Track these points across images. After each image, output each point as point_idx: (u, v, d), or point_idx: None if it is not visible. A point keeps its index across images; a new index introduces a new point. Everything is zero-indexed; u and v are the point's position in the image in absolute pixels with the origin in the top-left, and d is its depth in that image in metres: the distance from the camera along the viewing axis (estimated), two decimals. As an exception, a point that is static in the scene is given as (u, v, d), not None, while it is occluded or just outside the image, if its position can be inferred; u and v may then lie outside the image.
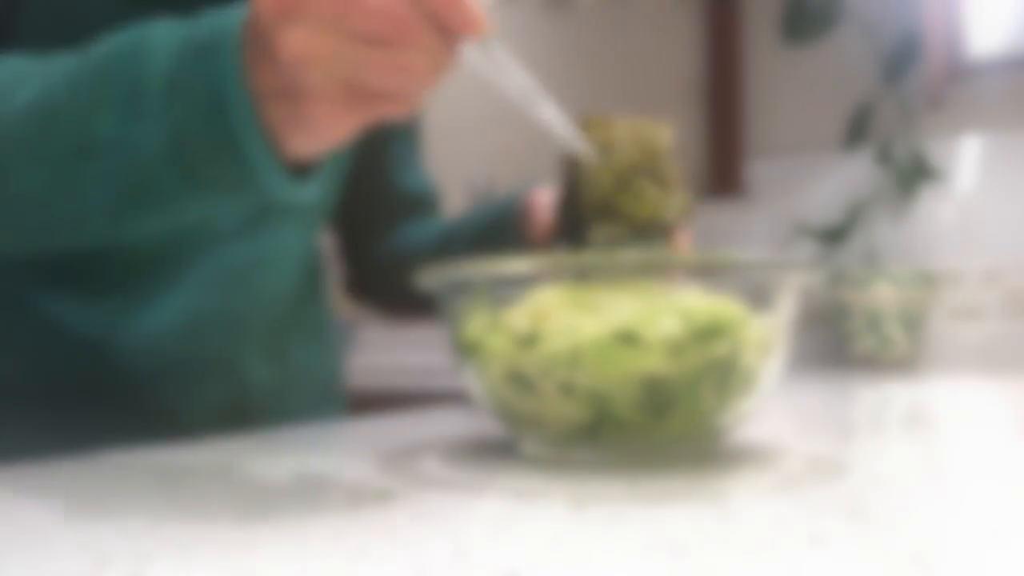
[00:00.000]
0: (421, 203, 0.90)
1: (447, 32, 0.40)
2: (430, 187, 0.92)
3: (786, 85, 1.71)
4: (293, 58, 0.38)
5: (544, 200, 0.73)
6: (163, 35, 0.44)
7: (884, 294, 1.46)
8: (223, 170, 0.43)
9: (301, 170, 0.45)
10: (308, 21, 0.38)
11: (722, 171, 1.77)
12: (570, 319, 0.43)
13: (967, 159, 1.55)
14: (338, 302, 2.19)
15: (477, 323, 0.46)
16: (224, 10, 0.43)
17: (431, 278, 0.48)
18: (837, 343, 1.63)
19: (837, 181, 1.66)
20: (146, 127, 0.43)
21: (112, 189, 0.44)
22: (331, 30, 0.38)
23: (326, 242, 0.85)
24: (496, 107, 2.05)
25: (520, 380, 0.44)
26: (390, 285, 0.87)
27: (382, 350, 2.24)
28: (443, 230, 0.83)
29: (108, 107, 0.44)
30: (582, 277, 0.46)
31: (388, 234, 0.90)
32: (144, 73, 0.43)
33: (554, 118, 0.48)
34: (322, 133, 0.41)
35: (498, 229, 0.75)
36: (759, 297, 0.46)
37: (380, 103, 0.41)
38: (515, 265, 0.44)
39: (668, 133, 0.56)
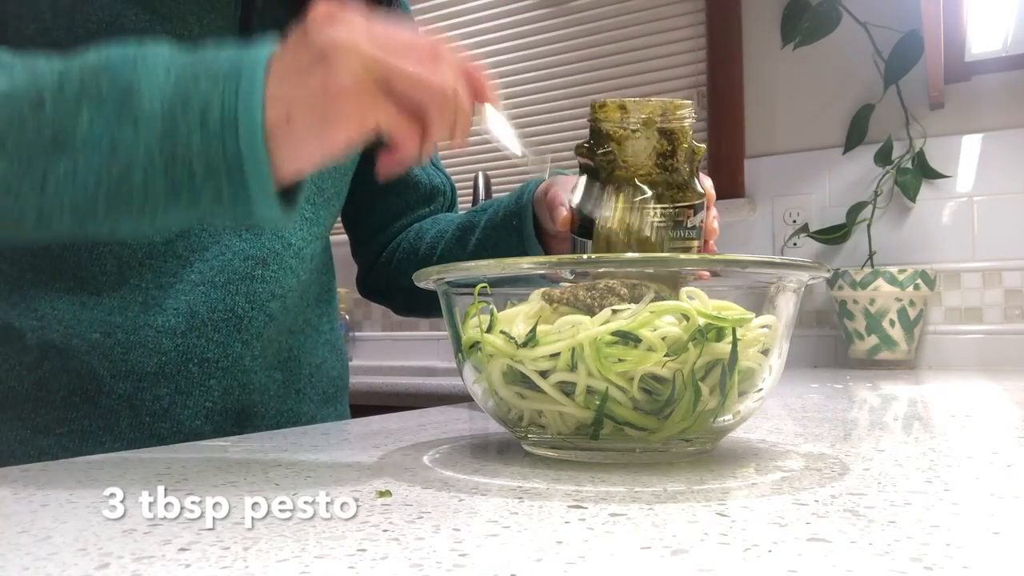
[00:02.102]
0: (436, 196, 0.88)
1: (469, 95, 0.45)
2: (446, 181, 0.90)
3: (786, 85, 1.71)
4: (337, 43, 0.42)
5: (566, 188, 0.67)
6: (160, 52, 0.45)
7: (884, 294, 1.46)
8: (215, 188, 0.43)
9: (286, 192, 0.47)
10: (356, 30, 0.42)
11: (722, 171, 1.76)
12: (570, 319, 0.43)
13: (967, 159, 1.55)
14: (341, 302, 2.19)
15: (477, 323, 0.46)
16: (249, 45, 0.45)
17: (433, 278, 0.48)
18: (837, 343, 1.63)
19: (837, 181, 1.66)
20: (135, 133, 0.43)
21: (85, 188, 0.44)
22: (372, 39, 0.42)
23: (335, 241, 0.83)
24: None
25: (520, 380, 0.44)
26: (406, 281, 0.85)
27: (382, 350, 2.24)
28: (460, 222, 0.81)
29: (96, 107, 0.44)
30: (583, 277, 0.46)
31: (404, 228, 0.88)
32: (137, 82, 0.44)
33: (534, 165, 0.53)
34: (339, 117, 0.42)
35: (515, 215, 0.72)
36: (759, 297, 0.46)
37: (401, 117, 0.43)
38: (516, 265, 0.44)
39: (688, 111, 0.54)
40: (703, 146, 0.56)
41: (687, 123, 0.54)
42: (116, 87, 0.44)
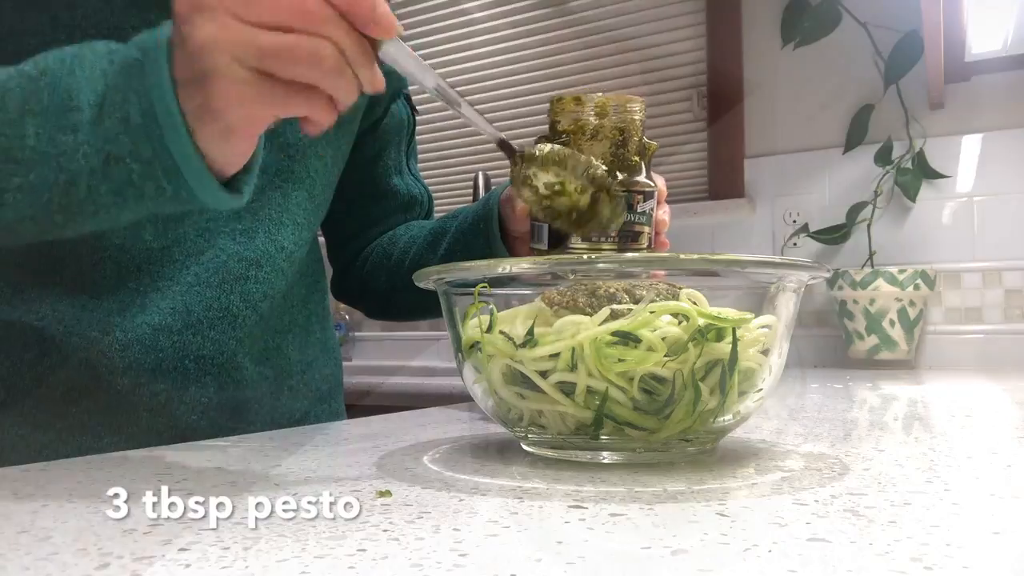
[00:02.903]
0: (413, 206, 0.91)
1: (359, 30, 0.42)
2: (423, 191, 0.92)
3: (786, 85, 1.71)
4: (201, 43, 0.40)
5: None
6: (98, 52, 0.45)
7: (884, 294, 1.46)
8: (155, 184, 0.44)
9: (234, 179, 0.47)
10: (217, 13, 0.40)
11: (722, 171, 1.76)
12: (570, 319, 0.43)
13: (967, 159, 1.55)
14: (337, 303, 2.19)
15: (477, 323, 0.46)
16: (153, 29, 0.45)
17: (433, 278, 0.48)
18: (837, 343, 1.63)
19: (837, 181, 1.66)
20: (76, 141, 0.44)
21: (39, 199, 0.45)
22: (238, 20, 0.40)
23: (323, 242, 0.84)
24: (490, 110, 2.05)
25: (520, 380, 0.44)
26: (378, 285, 0.87)
27: (382, 350, 2.24)
28: (432, 228, 0.83)
29: (39, 118, 0.44)
30: (581, 277, 0.46)
31: (379, 235, 0.90)
32: (76, 88, 0.44)
33: (469, 113, 0.50)
34: (235, 124, 0.42)
35: (482, 219, 0.75)
36: (759, 297, 0.46)
37: (293, 96, 0.42)
38: (515, 265, 0.44)
39: (639, 106, 0.56)
40: (655, 143, 0.58)
41: (637, 117, 0.56)
42: (56, 97, 0.44)
